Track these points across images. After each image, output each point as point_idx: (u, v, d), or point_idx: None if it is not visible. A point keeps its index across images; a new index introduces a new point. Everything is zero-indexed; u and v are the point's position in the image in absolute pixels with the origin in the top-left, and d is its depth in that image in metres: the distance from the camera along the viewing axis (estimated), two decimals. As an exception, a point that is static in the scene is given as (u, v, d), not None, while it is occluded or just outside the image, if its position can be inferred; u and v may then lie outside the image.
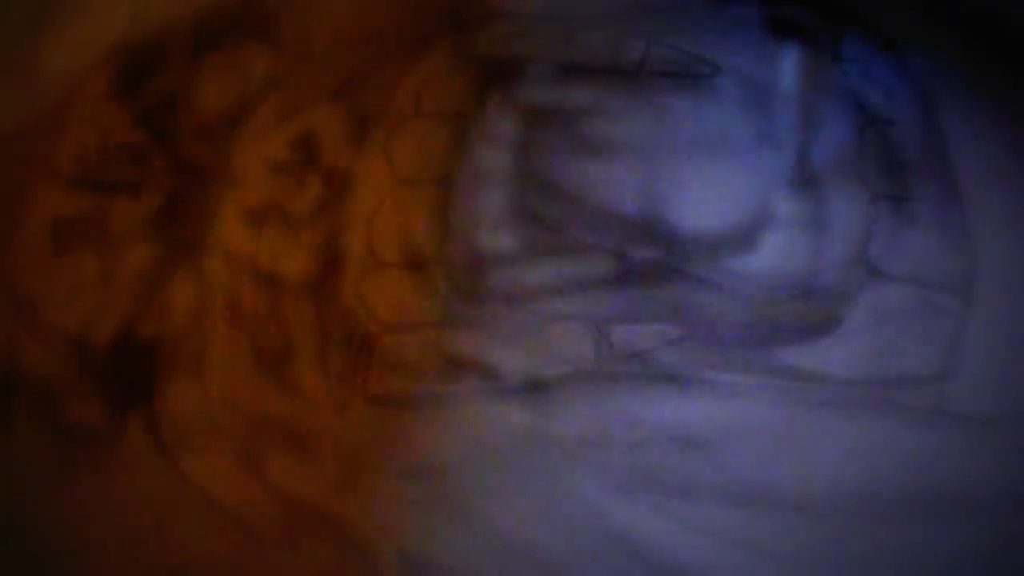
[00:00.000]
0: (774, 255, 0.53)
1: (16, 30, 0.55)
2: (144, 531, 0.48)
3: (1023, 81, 0.55)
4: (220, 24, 0.57)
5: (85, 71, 0.56)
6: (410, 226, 0.54)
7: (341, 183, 0.54)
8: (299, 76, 0.56)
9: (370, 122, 0.56)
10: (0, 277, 0.53)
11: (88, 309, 0.52)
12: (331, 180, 0.55)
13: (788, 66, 0.56)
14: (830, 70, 0.56)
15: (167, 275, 0.53)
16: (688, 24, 0.58)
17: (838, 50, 0.56)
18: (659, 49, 0.56)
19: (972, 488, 0.47)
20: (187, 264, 0.54)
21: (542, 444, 0.49)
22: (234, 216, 0.54)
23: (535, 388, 0.50)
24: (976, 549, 0.46)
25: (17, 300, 0.53)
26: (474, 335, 0.51)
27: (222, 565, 0.47)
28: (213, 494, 0.48)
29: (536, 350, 0.51)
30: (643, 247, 0.53)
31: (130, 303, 0.53)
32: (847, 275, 0.52)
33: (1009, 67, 0.55)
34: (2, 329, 0.52)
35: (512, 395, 0.50)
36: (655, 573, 0.46)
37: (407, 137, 0.56)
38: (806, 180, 0.54)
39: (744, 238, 0.53)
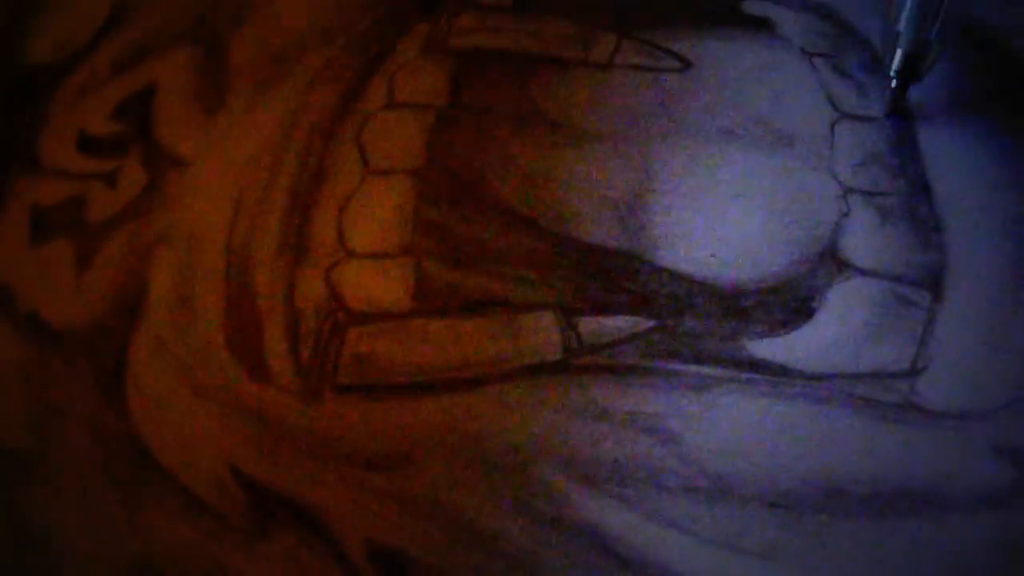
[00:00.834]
0: (744, 247, 0.53)
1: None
2: (114, 517, 0.48)
3: (994, 78, 0.56)
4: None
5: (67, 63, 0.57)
6: (381, 217, 0.55)
7: (315, 173, 0.55)
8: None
9: (342, 113, 0.56)
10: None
11: (64, 296, 0.53)
12: (307, 169, 0.55)
13: (758, 59, 0.56)
14: (800, 64, 0.57)
15: (142, 262, 0.54)
16: (659, 18, 0.58)
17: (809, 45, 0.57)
18: (630, 42, 0.57)
19: (942, 484, 0.46)
20: (161, 251, 0.54)
21: (510, 436, 0.49)
22: (207, 202, 0.55)
23: (504, 379, 0.50)
24: (946, 546, 0.45)
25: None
26: (444, 326, 0.52)
27: (191, 552, 0.47)
28: (183, 481, 0.49)
29: (505, 341, 0.51)
30: (613, 238, 0.53)
31: (105, 291, 0.53)
32: (817, 269, 0.52)
33: (981, 64, 0.56)
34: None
35: (480, 386, 0.50)
36: (621, 565, 0.46)
37: (379, 128, 0.57)
38: (776, 173, 0.55)
39: (714, 230, 0.53)
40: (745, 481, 0.47)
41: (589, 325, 0.51)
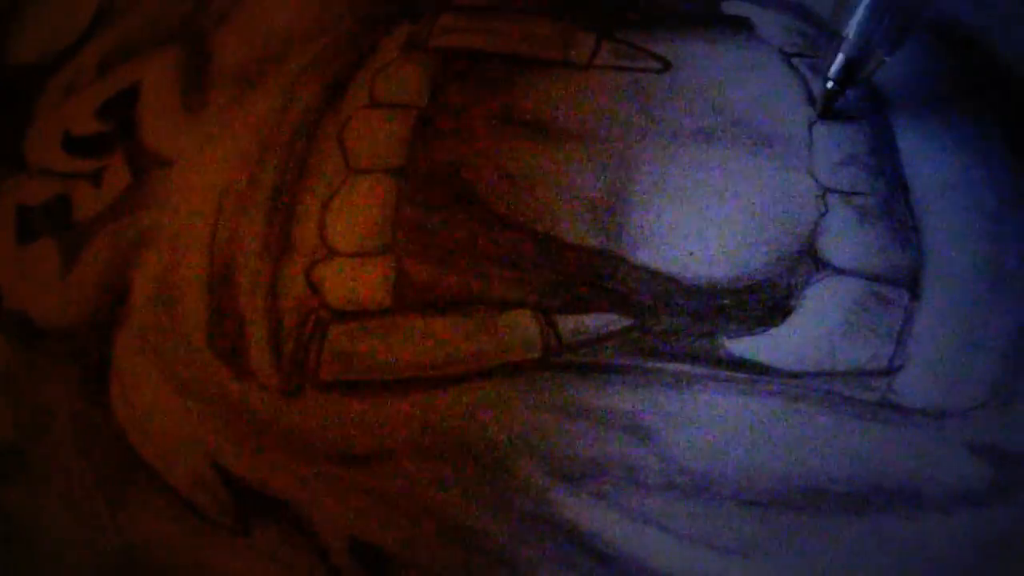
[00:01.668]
0: (722, 246, 0.53)
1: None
2: (98, 514, 0.48)
3: (971, 78, 0.56)
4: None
5: (52, 63, 0.58)
6: (363, 216, 0.55)
7: (298, 172, 0.55)
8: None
9: (325, 113, 0.57)
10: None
11: (49, 295, 0.53)
12: (291, 167, 0.56)
13: (737, 60, 0.57)
14: (780, 65, 0.57)
15: (126, 261, 0.54)
16: (638, 19, 0.58)
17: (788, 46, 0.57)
18: (610, 43, 0.57)
19: (919, 483, 0.47)
20: (145, 249, 0.55)
21: (489, 433, 0.49)
22: (190, 201, 0.55)
23: (483, 377, 0.50)
24: (923, 544, 0.45)
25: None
26: (424, 325, 0.52)
27: (173, 547, 0.48)
28: (165, 477, 0.49)
29: (484, 339, 0.51)
30: (592, 237, 0.54)
31: (90, 290, 0.54)
32: (795, 267, 0.52)
33: (958, 64, 0.56)
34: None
35: (460, 384, 0.50)
36: (600, 562, 0.46)
37: (361, 128, 0.57)
38: (754, 173, 0.55)
39: (693, 229, 0.53)
40: (722, 479, 0.47)
41: (568, 323, 0.51)
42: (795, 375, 0.49)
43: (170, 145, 0.57)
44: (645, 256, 0.53)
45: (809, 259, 0.52)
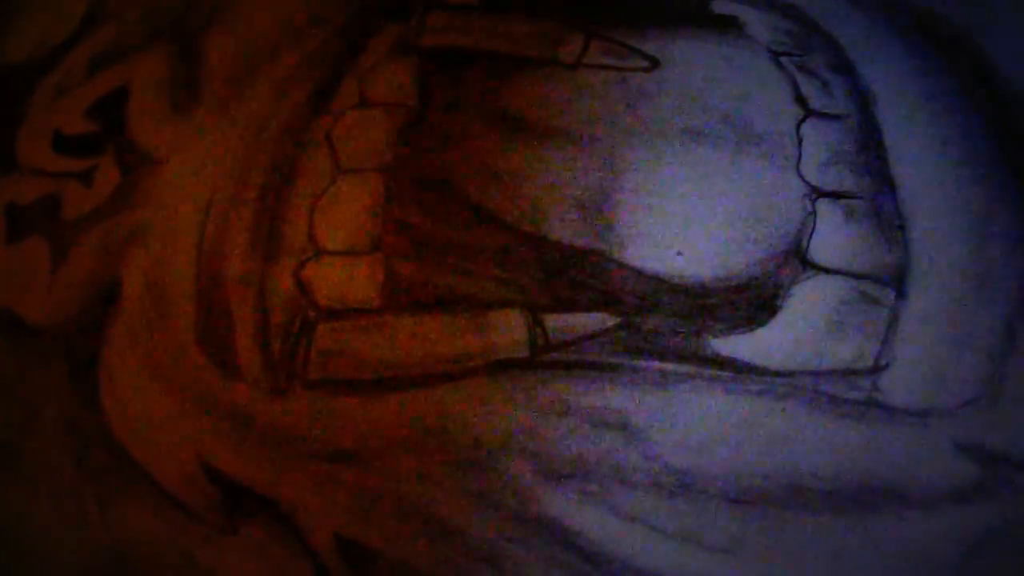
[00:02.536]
0: (709, 245, 0.53)
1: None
2: (87, 511, 0.49)
3: (957, 77, 0.56)
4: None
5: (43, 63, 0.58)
6: (352, 215, 0.55)
7: (287, 171, 0.56)
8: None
9: (314, 112, 0.57)
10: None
11: (39, 293, 0.54)
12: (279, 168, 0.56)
13: (725, 59, 0.57)
14: (768, 64, 0.57)
15: (116, 260, 0.55)
16: (628, 17, 0.58)
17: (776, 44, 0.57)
18: (599, 42, 0.57)
19: (904, 481, 0.47)
20: (134, 248, 0.55)
21: (476, 431, 0.49)
22: (180, 200, 0.56)
23: (470, 376, 0.51)
24: (907, 542, 0.46)
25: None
26: (412, 323, 0.52)
27: (161, 544, 0.48)
28: (154, 474, 0.49)
29: (472, 338, 0.51)
30: (580, 236, 0.54)
31: (79, 288, 0.54)
32: (782, 266, 0.53)
33: (944, 63, 0.56)
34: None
35: (447, 382, 0.50)
36: (585, 560, 0.46)
37: (350, 127, 0.57)
38: (742, 172, 0.55)
39: (680, 228, 0.54)
40: (708, 477, 0.48)
41: (555, 322, 0.52)
42: (781, 374, 0.50)
43: (160, 144, 0.57)
44: (632, 255, 0.53)
45: (795, 258, 0.52)
